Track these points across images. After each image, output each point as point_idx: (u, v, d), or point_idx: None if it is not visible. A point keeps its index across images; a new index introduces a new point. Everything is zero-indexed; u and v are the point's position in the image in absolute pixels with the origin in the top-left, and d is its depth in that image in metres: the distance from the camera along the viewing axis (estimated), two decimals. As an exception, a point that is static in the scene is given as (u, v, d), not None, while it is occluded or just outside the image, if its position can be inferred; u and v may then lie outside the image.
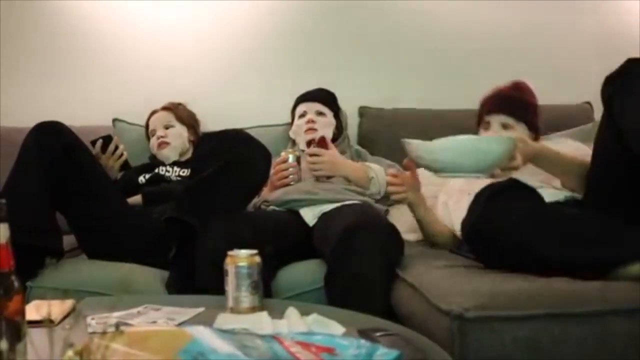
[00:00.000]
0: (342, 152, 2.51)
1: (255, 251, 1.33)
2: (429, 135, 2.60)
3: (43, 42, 2.84)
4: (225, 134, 1.96)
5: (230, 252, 1.33)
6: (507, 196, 1.47)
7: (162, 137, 2.46)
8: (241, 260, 1.31)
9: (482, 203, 1.47)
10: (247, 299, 1.30)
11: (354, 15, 2.95)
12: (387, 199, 2.27)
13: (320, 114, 2.50)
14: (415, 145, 1.69)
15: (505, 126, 2.06)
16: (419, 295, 1.42)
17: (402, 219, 2.19)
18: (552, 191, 1.79)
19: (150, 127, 2.54)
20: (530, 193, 1.52)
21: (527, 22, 2.99)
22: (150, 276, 1.85)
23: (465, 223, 1.53)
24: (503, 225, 1.43)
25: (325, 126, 2.48)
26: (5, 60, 2.82)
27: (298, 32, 2.93)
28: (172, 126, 2.51)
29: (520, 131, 2.05)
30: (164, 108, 2.57)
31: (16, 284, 0.89)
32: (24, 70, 2.83)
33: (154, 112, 2.58)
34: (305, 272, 1.91)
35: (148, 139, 2.57)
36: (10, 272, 0.88)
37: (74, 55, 2.85)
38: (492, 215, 1.44)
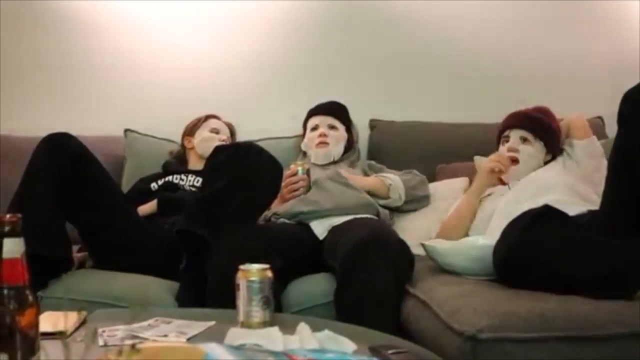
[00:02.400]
0: (352, 166, 2.52)
1: (266, 266, 1.33)
2: (439, 149, 2.66)
3: (56, 53, 2.86)
4: (237, 146, 1.97)
5: (241, 267, 1.32)
6: (541, 226, 1.46)
7: (224, 141, 2.54)
8: (253, 274, 1.30)
9: (517, 232, 1.46)
10: (258, 313, 1.30)
11: (365, 28, 2.95)
12: (409, 203, 2.35)
13: (332, 127, 2.51)
14: (430, 248, 1.79)
15: (524, 140, 2.13)
16: (431, 313, 1.41)
17: (410, 233, 2.20)
18: (577, 207, 1.81)
19: (215, 126, 2.59)
20: (564, 220, 1.52)
21: (540, 37, 2.99)
22: (161, 288, 1.84)
23: (498, 250, 1.52)
24: (537, 257, 1.42)
25: (337, 140, 2.49)
26: (18, 70, 2.84)
27: (309, 45, 2.94)
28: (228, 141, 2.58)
29: (537, 148, 2.11)
30: (226, 124, 2.66)
31: (30, 297, 0.89)
32: (37, 80, 2.85)
33: (216, 117, 2.64)
34: (315, 285, 1.90)
35: (187, 134, 2.59)
36: (25, 286, 0.88)
37: (87, 65, 2.86)
38: (526, 246, 1.44)
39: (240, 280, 1.31)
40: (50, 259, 1.77)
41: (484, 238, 1.82)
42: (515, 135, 2.14)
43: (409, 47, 2.96)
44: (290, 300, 1.85)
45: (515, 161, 2.12)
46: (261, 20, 2.93)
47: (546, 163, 2.16)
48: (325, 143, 2.47)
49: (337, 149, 2.49)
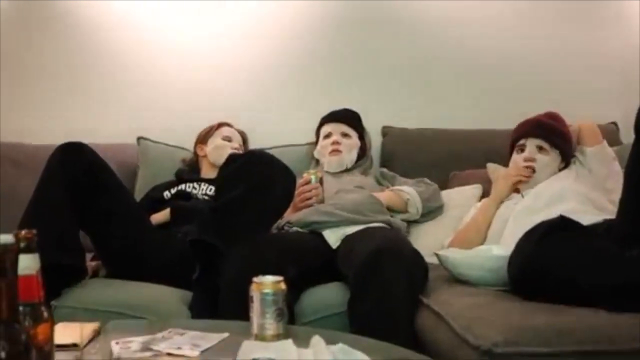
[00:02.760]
0: (364, 173, 2.51)
1: (280, 278, 1.32)
2: (452, 155, 2.65)
3: (69, 61, 2.88)
4: (250, 155, 1.97)
5: (255, 279, 1.32)
6: (557, 237, 1.44)
7: (236, 149, 2.54)
8: (266, 286, 1.30)
9: (533, 244, 1.45)
10: (271, 326, 1.29)
11: (378, 35, 2.95)
12: (424, 215, 2.33)
13: (345, 135, 2.51)
14: (444, 258, 1.78)
15: (540, 149, 2.13)
16: (445, 325, 1.40)
17: (424, 242, 2.19)
18: (591, 216, 1.79)
19: (227, 134, 2.58)
20: (579, 230, 1.50)
21: (552, 42, 2.97)
22: (174, 297, 1.84)
23: (514, 262, 1.50)
24: (552, 269, 1.40)
25: (350, 148, 2.49)
26: (32, 78, 2.86)
27: (321, 52, 2.94)
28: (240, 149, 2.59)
29: (553, 157, 2.12)
30: (238, 131, 2.65)
31: (45, 313, 0.89)
32: (50, 88, 2.87)
33: (228, 124, 2.63)
34: (329, 295, 1.90)
35: (200, 141, 2.59)
36: (40, 302, 0.88)
37: (100, 73, 2.88)
38: (542, 258, 1.42)
39: (254, 292, 1.30)
40: (64, 268, 1.78)
41: (498, 248, 1.81)
42: (531, 144, 2.14)
43: (421, 54, 2.95)
44: (303, 310, 1.84)
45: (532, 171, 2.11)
46: (273, 28, 2.93)
47: (560, 170, 2.15)
48: (338, 151, 2.47)
49: (350, 156, 2.49)
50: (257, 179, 1.84)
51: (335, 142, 2.47)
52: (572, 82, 2.95)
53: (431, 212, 2.37)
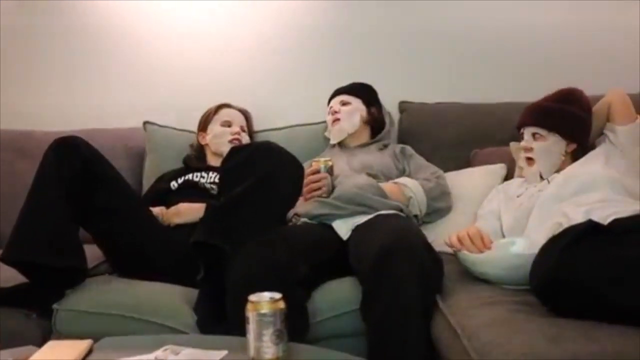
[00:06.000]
0: (383, 149, 2.38)
1: (279, 295, 1.22)
2: (474, 132, 2.49)
3: (74, 46, 2.77)
4: (253, 148, 1.85)
5: (251, 297, 1.22)
6: (586, 244, 1.29)
7: (237, 133, 2.41)
8: (263, 306, 1.19)
9: (558, 252, 1.30)
10: (269, 349, 1.19)
11: (394, 9, 2.78)
12: (427, 215, 2.17)
13: (344, 103, 2.41)
14: (463, 256, 1.67)
15: (535, 136, 1.99)
16: (461, 347, 1.28)
17: (442, 229, 2.07)
18: (626, 206, 1.66)
19: (226, 118, 2.45)
20: (608, 237, 1.34)
21: (580, 12, 2.77)
22: (179, 298, 1.77)
23: (536, 271, 1.37)
24: (581, 282, 1.25)
25: (349, 113, 2.38)
26: (37, 64, 2.77)
27: (336, 27, 2.79)
28: (244, 132, 2.46)
29: (552, 141, 1.97)
30: (240, 110, 2.52)
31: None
32: (56, 74, 2.77)
33: (228, 105, 2.50)
34: (343, 292, 1.80)
35: (201, 129, 2.48)
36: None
37: (106, 58, 2.77)
38: (568, 269, 1.27)
39: (250, 313, 1.20)
40: (63, 270, 1.72)
41: (521, 241, 1.69)
42: (527, 133, 2.01)
43: (440, 24, 2.78)
44: (316, 309, 1.75)
45: (530, 160, 1.99)
46: (284, 4, 2.78)
47: (573, 152, 1.98)
48: (338, 119, 2.38)
49: (350, 122, 2.38)
50: (262, 174, 1.73)
51: (334, 112, 2.39)
52: (600, 52, 2.76)
53: (435, 212, 2.18)
